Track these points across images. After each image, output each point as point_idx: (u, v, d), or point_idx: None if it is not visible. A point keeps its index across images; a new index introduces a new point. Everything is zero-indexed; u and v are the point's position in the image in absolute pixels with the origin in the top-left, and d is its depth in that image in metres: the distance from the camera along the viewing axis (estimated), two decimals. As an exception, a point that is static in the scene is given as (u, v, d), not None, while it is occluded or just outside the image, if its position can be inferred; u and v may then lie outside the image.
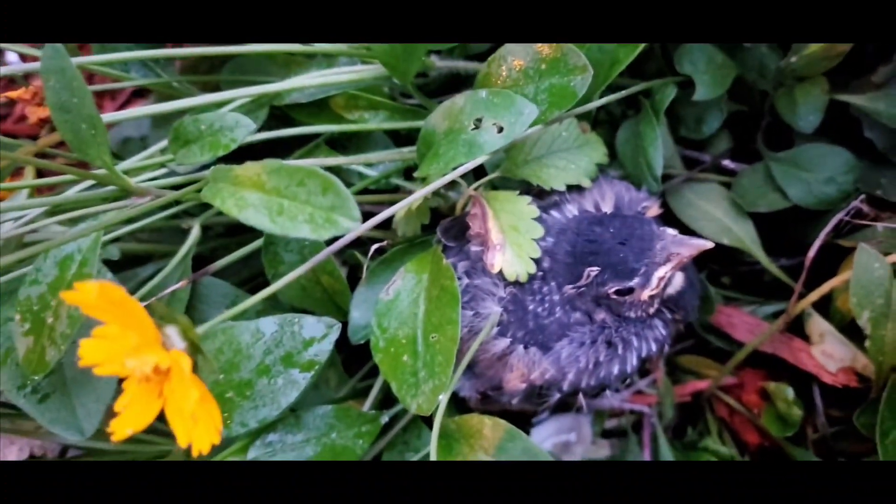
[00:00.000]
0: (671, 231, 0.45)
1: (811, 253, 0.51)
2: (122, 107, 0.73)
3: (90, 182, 0.47)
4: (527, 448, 0.43)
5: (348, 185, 0.52)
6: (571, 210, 0.47)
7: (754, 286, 0.61)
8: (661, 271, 0.44)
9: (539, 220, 0.45)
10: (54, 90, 0.39)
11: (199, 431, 0.30)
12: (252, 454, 0.44)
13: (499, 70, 0.46)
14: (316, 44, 0.50)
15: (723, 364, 0.58)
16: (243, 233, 0.54)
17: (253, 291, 0.52)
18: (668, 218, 0.56)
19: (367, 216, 0.42)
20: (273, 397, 0.43)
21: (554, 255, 0.46)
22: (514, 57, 0.46)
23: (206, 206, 0.49)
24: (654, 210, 0.49)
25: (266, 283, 0.49)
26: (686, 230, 0.55)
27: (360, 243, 0.51)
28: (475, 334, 0.45)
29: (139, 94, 0.75)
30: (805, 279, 0.52)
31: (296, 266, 0.47)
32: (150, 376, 0.30)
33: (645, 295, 0.45)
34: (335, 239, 0.38)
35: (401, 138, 0.55)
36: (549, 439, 0.58)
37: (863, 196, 0.53)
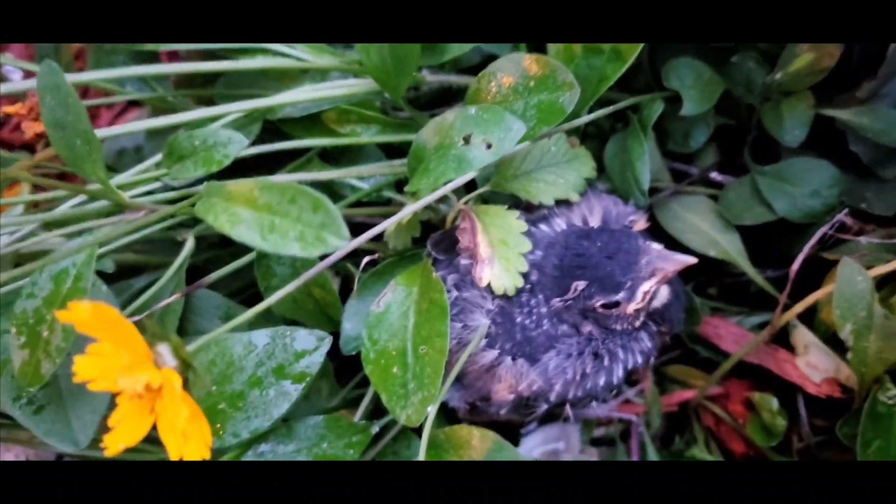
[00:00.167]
0: (657, 246, 0.46)
1: (795, 266, 0.52)
2: (117, 116, 0.74)
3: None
4: (514, 459, 0.43)
5: (341, 197, 0.53)
6: (560, 224, 0.48)
7: (741, 297, 0.62)
8: (646, 285, 0.45)
9: (527, 234, 0.46)
10: (50, 107, 0.40)
11: (189, 447, 0.31)
12: (244, 464, 0.45)
13: (488, 86, 0.47)
14: (307, 55, 0.51)
15: (709, 374, 0.59)
16: (237, 244, 0.54)
17: (245, 302, 0.53)
18: (656, 230, 0.56)
19: (359, 228, 0.43)
20: (265, 408, 0.43)
21: (542, 268, 0.46)
22: (504, 73, 0.46)
23: (199, 219, 0.49)
24: (641, 224, 0.49)
25: (258, 293, 0.50)
26: (673, 242, 0.56)
27: (353, 255, 0.51)
28: (464, 346, 0.46)
29: (135, 103, 0.75)
30: (790, 291, 0.53)
31: (288, 279, 0.48)
32: (142, 393, 0.31)
33: (631, 308, 0.46)
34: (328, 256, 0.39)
35: (393, 151, 0.56)
36: (537, 448, 0.59)
37: (846, 210, 0.53)
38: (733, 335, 0.58)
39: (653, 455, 0.59)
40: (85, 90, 0.60)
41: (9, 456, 0.55)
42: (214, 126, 0.48)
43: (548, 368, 0.46)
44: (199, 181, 0.47)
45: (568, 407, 0.49)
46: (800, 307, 0.53)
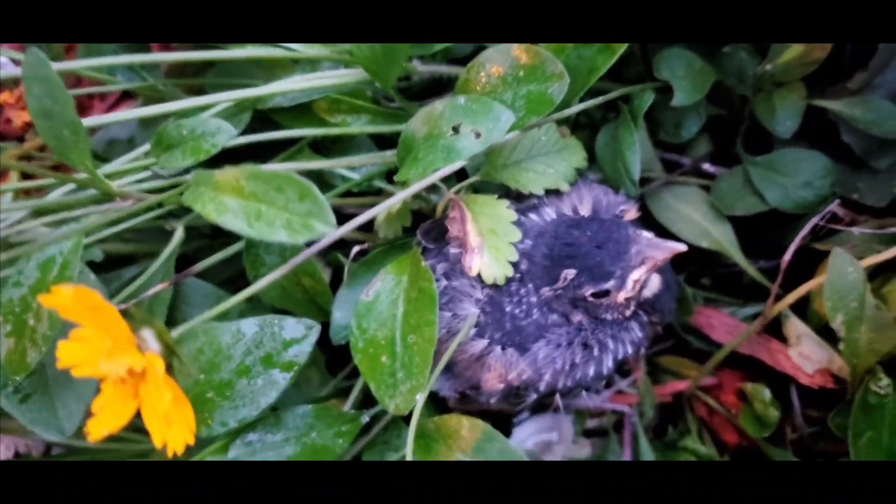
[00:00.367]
0: (647, 234, 0.46)
1: (787, 256, 0.52)
2: (111, 108, 0.74)
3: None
4: (503, 449, 0.43)
5: (331, 187, 0.53)
6: (549, 213, 0.48)
7: (734, 288, 0.62)
8: (636, 274, 0.45)
9: (517, 223, 0.46)
10: (37, 97, 0.39)
11: (173, 432, 0.31)
12: (232, 453, 0.45)
13: (478, 76, 0.47)
14: (298, 45, 0.51)
15: (702, 365, 0.59)
16: (226, 234, 0.54)
17: (235, 292, 0.53)
18: (648, 221, 0.56)
19: (349, 219, 0.42)
20: (253, 397, 0.43)
21: (532, 257, 0.46)
22: (493, 64, 0.46)
23: (189, 209, 0.49)
24: (632, 213, 0.49)
25: (248, 284, 0.49)
26: (665, 233, 0.56)
27: (344, 245, 0.52)
28: (453, 335, 0.46)
29: (128, 95, 0.75)
30: (782, 282, 0.53)
31: (277, 267, 0.48)
32: (125, 378, 0.31)
33: (621, 297, 0.45)
34: (315, 243, 0.39)
35: (383, 141, 0.56)
36: (530, 438, 0.59)
37: (838, 200, 0.53)
38: (726, 326, 0.58)
39: (646, 446, 0.58)
40: (78, 80, 0.60)
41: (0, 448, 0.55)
42: (203, 115, 0.48)
43: (537, 358, 0.46)
44: (189, 171, 0.47)
45: (558, 397, 0.49)
46: (791, 298, 0.53)
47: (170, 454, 0.31)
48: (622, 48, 0.47)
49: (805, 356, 0.55)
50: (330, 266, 0.57)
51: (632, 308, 0.47)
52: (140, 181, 0.49)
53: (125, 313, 0.33)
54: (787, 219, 0.56)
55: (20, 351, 0.41)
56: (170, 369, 0.33)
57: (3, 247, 0.44)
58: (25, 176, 0.50)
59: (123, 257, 0.56)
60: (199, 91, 0.57)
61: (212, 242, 0.57)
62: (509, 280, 0.46)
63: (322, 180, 0.54)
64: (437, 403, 0.53)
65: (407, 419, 0.44)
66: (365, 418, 0.48)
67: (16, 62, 0.52)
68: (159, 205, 0.49)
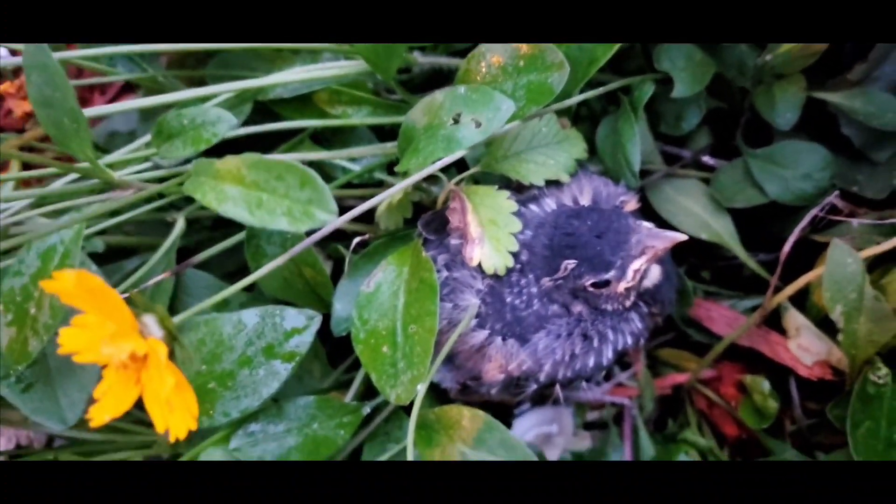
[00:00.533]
0: (647, 224, 0.46)
1: (786, 248, 0.52)
2: (111, 102, 0.74)
3: (76, 175, 0.48)
4: (504, 439, 0.43)
5: (331, 179, 0.53)
6: (550, 204, 0.48)
7: (733, 281, 0.62)
8: (637, 264, 0.45)
9: (517, 214, 0.46)
10: (37, 86, 0.39)
11: (175, 418, 0.31)
12: (234, 443, 0.45)
13: (478, 66, 0.47)
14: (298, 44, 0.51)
15: (702, 357, 0.59)
16: (228, 226, 0.54)
17: (237, 284, 0.53)
18: (648, 213, 0.56)
19: (350, 210, 0.42)
20: (255, 388, 0.43)
21: (532, 248, 0.46)
22: (493, 54, 0.46)
23: (190, 200, 0.49)
24: (632, 204, 0.49)
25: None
26: (665, 225, 0.56)
27: (345, 238, 0.52)
28: (454, 326, 0.46)
29: (129, 89, 0.75)
30: (782, 274, 0.53)
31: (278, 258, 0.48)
32: (127, 364, 0.31)
33: (621, 287, 0.45)
34: (317, 232, 0.39)
35: (384, 133, 0.56)
36: (530, 431, 0.59)
37: (838, 192, 0.53)
38: (725, 318, 0.58)
39: (645, 439, 0.59)
40: (79, 72, 0.60)
41: (1, 440, 0.55)
42: (204, 105, 0.48)
43: (537, 349, 0.46)
44: (189, 162, 0.47)
45: (558, 388, 0.49)
46: (791, 289, 0.53)
47: (172, 440, 0.31)
48: (623, 39, 0.47)
49: (804, 348, 0.55)
50: (331, 258, 0.57)
51: (632, 299, 0.47)
52: (141, 171, 0.49)
53: (127, 300, 0.33)
54: (786, 211, 0.56)
55: (21, 340, 0.42)
56: (172, 356, 0.33)
57: (4, 236, 0.44)
58: (26, 167, 0.50)
59: (125, 249, 0.56)
60: (200, 82, 0.57)
61: (213, 234, 0.57)
62: (510, 271, 0.46)
63: (323, 172, 0.54)
64: (438, 395, 0.54)
65: (408, 410, 0.44)
66: (366, 409, 0.48)
67: (14, 53, 0.52)
68: (160, 196, 0.49)
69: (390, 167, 0.54)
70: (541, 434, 0.59)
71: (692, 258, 0.62)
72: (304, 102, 0.53)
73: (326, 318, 0.47)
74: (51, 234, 0.42)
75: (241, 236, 0.50)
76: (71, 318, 0.32)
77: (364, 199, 0.53)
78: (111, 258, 0.54)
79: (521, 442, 0.43)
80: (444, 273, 0.47)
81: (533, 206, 0.48)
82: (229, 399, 0.43)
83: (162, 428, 0.31)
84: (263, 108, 0.54)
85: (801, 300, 0.55)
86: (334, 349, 0.54)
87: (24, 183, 0.50)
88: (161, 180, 0.46)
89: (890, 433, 0.47)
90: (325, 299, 0.51)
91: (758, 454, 0.58)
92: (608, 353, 0.48)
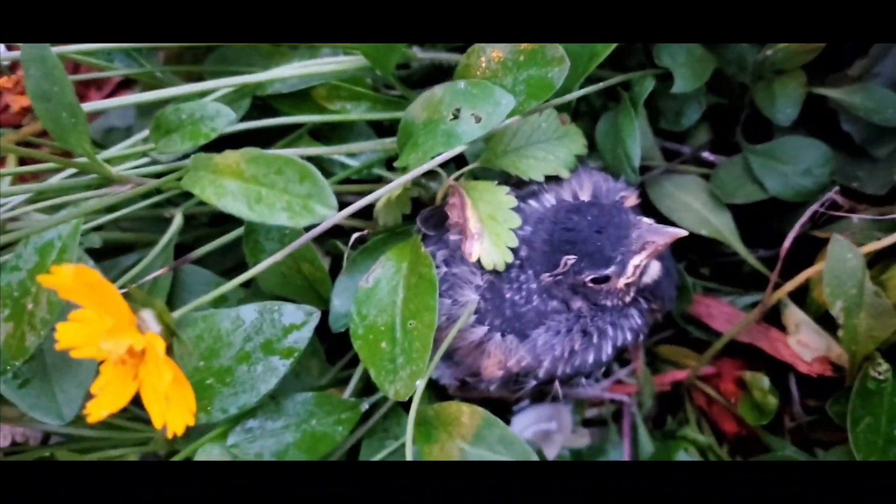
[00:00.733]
0: (647, 220, 0.46)
1: (786, 244, 0.52)
2: (108, 98, 0.74)
3: (74, 170, 0.47)
4: (503, 435, 0.43)
5: (330, 175, 0.53)
6: (549, 199, 0.48)
7: (733, 277, 0.61)
8: (637, 259, 0.45)
9: (517, 209, 0.46)
10: (35, 79, 0.39)
11: (172, 413, 0.31)
12: (232, 440, 0.45)
13: (478, 61, 0.47)
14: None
15: (701, 354, 0.59)
16: (226, 223, 0.54)
17: (236, 281, 0.53)
18: (648, 209, 0.56)
19: (349, 206, 0.42)
20: (253, 384, 0.43)
21: (532, 243, 0.46)
22: (493, 49, 0.46)
23: (188, 196, 0.49)
24: (632, 200, 0.49)
25: (249, 272, 0.49)
26: (665, 221, 0.56)
27: (343, 234, 0.52)
28: (453, 322, 0.46)
29: (126, 85, 0.75)
30: (781, 270, 0.53)
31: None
32: (125, 358, 0.30)
33: (621, 283, 0.45)
34: (315, 227, 0.39)
35: (383, 129, 0.56)
36: (529, 428, 0.59)
37: (837, 188, 0.53)
38: (725, 314, 0.58)
39: (644, 436, 0.58)
40: (76, 68, 0.60)
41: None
42: (202, 100, 0.48)
43: (537, 345, 0.46)
44: (187, 158, 0.47)
45: (557, 384, 0.48)
46: (791, 285, 0.53)
47: (169, 435, 0.31)
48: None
49: (804, 344, 0.55)
50: (329, 255, 0.57)
51: (631, 294, 0.47)
52: (139, 167, 0.49)
53: (125, 296, 0.32)
54: (786, 207, 0.56)
55: (19, 336, 0.41)
56: (170, 351, 0.33)
57: (1, 231, 0.44)
58: (23, 162, 0.49)
59: (122, 245, 0.55)
60: (198, 78, 0.57)
61: (211, 231, 0.57)
62: (509, 266, 0.46)
63: (321, 167, 0.53)
64: (437, 392, 0.53)
65: (406, 406, 0.44)
66: (365, 406, 0.48)
67: (11, 47, 0.52)
68: (158, 192, 0.49)
69: (389, 163, 0.54)
70: (540, 431, 0.59)
71: (692, 254, 0.62)
72: (302, 98, 0.53)
73: (325, 315, 0.46)
74: (48, 230, 0.42)
75: (239, 232, 0.50)
76: (68, 314, 0.32)
77: (363, 194, 0.53)
78: (109, 255, 0.53)
79: (520, 438, 0.43)
80: (443, 269, 0.47)
81: (532, 202, 0.48)
82: (227, 395, 0.43)
83: (159, 423, 0.31)
84: (262, 104, 0.53)
85: (801, 296, 0.55)
86: (333, 346, 0.54)
87: (21, 178, 0.50)
88: (159, 176, 0.46)
89: (890, 429, 0.47)
90: (324, 296, 0.51)
91: (757, 451, 0.58)
92: (607, 350, 0.48)
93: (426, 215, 0.50)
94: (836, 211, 0.54)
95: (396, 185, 0.44)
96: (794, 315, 0.54)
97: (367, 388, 0.49)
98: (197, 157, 0.41)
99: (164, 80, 0.57)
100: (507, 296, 0.46)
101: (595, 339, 0.47)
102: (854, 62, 0.54)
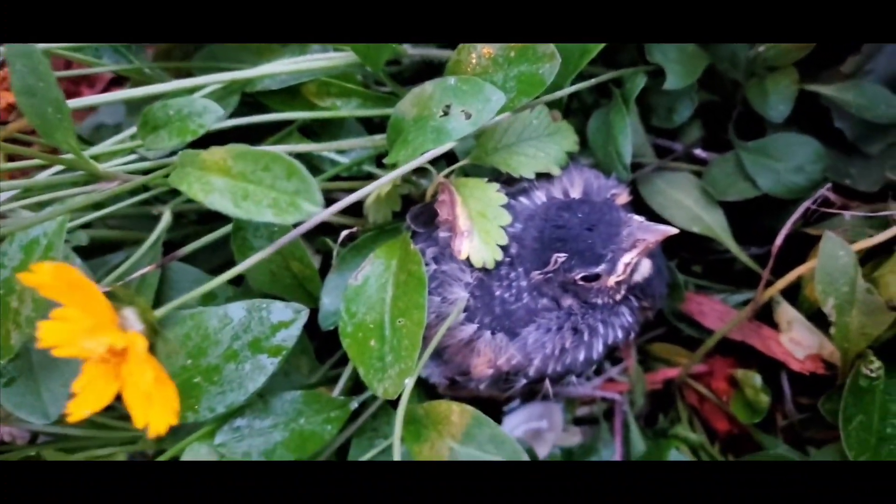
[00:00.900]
0: (638, 217, 0.45)
1: (778, 241, 0.52)
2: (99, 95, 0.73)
3: (61, 167, 0.47)
4: (494, 435, 0.43)
5: (320, 171, 0.53)
6: (540, 196, 0.48)
7: (725, 274, 0.61)
8: (627, 257, 0.44)
9: (507, 206, 0.46)
10: (20, 74, 0.39)
11: (155, 412, 0.30)
12: (219, 438, 0.44)
13: (468, 58, 0.46)
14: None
15: (693, 352, 0.59)
16: (215, 220, 0.54)
17: (224, 280, 0.53)
18: (639, 206, 0.56)
19: (338, 203, 0.42)
20: (240, 382, 0.43)
21: (522, 241, 0.46)
22: (484, 45, 0.46)
23: (176, 193, 0.48)
24: (623, 197, 0.49)
25: (238, 272, 0.49)
26: (656, 218, 0.56)
27: (333, 232, 0.51)
28: (443, 320, 0.46)
29: (118, 82, 0.75)
30: (774, 267, 0.53)
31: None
32: (107, 357, 0.30)
33: (611, 281, 0.45)
34: (303, 224, 0.39)
35: (373, 126, 0.55)
36: (520, 427, 0.59)
37: (829, 185, 0.53)
38: (717, 312, 0.58)
39: (636, 434, 0.58)
40: (67, 64, 0.59)
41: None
42: (191, 96, 0.48)
43: (527, 343, 0.46)
44: (175, 154, 0.47)
45: (548, 382, 0.48)
46: (783, 283, 0.53)
47: (151, 435, 0.31)
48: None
49: (796, 342, 0.54)
50: (319, 253, 0.57)
51: (622, 292, 0.47)
52: (126, 164, 0.48)
53: (109, 294, 0.32)
54: (778, 204, 0.56)
55: (4, 334, 0.41)
56: (153, 349, 0.32)
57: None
58: (9, 158, 0.49)
59: (110, 243, 0.55)
60: (187, 75, 0.56)
61: (199, 229, 0.56)
62: (499, 264, 0.46)
63: (311, 164, 0.53)
64: (426, 390, 0.53)
65: (396, 405, 0.43)
66: (354, 404, 0.48)
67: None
68: (146, 189, 0.48)
69: (379, 160, 0.53)
70: (530, 430, 0.59)
71: (683, 252, 0.62)
72: (292, 94, 0.53)
73: (314, 314, 0.46)
74: (34, 227, 0.42)
75: (227, 229, 0.50)
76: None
77: (352, 191, 0.53)
78: (96, 252, 0.53)
79: (510, 437, 0.43)
80: (433, 266, 0.47)
81: (523, 199, 0.48)
82: (215, 394, 0.42)
83: (141, 423, 0.31)
84: (251, 101, 0.53)
85: (793, 294, 0.54)
86: (323, 344, 0.54)
87: (7, 175, 0.50)
88: (146, 172, 0.45)
89: (882, 427, 0.47)
90: (313, 294, 0.51)
91: (749, 449, 0.57)
92: (598, 348, 0.48)
93: (416, 212, 0.49)
94: (828, 208, 0.54)
95: (386, 181, 0.44)
96: (787, 312, 0.54)
97: (357, 386, 0.49)
98: (184, 154, 0.40)
99: (153, 77, 0.57)
100: (497, 293, 0.46)
101: (586, 337, 0.47)
102: (846, 59, 0.54)
